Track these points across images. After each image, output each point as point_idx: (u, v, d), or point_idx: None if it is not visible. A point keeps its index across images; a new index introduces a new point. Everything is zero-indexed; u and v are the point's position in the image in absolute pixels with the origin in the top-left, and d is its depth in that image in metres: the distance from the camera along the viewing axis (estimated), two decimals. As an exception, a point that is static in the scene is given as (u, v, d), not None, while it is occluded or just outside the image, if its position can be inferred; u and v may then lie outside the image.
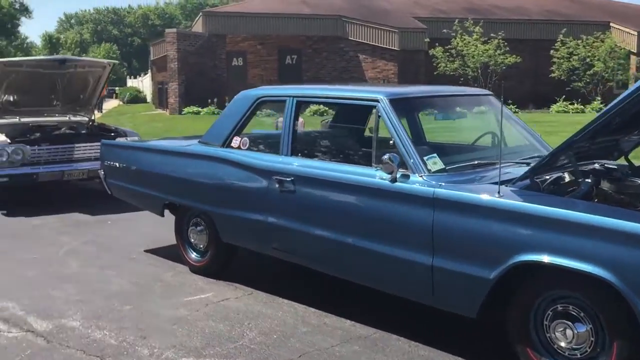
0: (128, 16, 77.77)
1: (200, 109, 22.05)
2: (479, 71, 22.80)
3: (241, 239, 4.56)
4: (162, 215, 5.31)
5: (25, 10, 62.65)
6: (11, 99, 8.29)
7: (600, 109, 21.96)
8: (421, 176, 3.47)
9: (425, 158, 3.55)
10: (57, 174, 7.74)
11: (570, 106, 21.79)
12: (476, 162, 3.72)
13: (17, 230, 6.63)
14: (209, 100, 22.28)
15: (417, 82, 24.22)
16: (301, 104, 4.38)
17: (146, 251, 5.73)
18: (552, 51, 24.48)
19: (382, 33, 24.15)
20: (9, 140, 7.44)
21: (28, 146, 7.51)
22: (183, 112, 22.42)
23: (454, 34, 23.09)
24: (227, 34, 24.95)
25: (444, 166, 3.56)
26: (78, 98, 8.84)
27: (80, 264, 5.36)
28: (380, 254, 3.53)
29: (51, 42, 74.87)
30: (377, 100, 3.85)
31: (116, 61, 8.48)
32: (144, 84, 42.46)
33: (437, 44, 22.91)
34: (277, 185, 4.13)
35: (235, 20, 24.74)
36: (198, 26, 25.37)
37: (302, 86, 5.24)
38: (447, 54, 23.13)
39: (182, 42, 22.69)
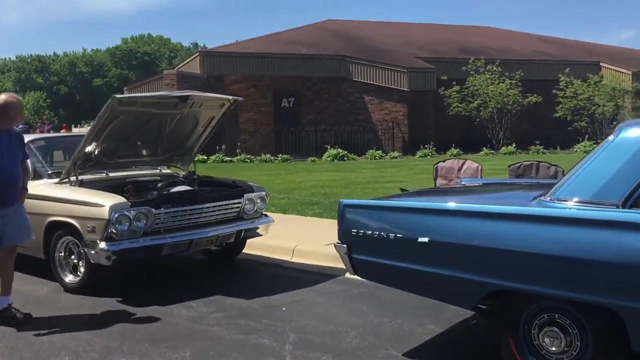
0: (54, 64, 74.59)
1: (206, 157, 20.17)
2: (494, 111, 22.03)
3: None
4: (473, 310, 3.66)
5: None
6: (106, 148, 6.41)
7: None
8: None
9: None
10: (184, 245, 5.91)
11: (595, 145, 21.16)
12: None
13: (172, 328, 4.76)
14: (217, 147, 20.42)
15: (429, 123, 23.24)
16: None
17: (407, 355, 4.03)
18: (555, 91, 24.03)
19: (389, 73, 23.13)
20: (129, 202, 5.58)
21: (153, 209, 5.67)
22: (185, 160, 20.41)
23: (472, 72, 22.28)
24: (224, 74, 23.33)
25: None
26: (180, 145, 7.05)
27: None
28: None
29: (-29, 90, 70.52)
30: None
31: (240, 97, 6.78)
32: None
33: (454, 83, 21.99)
34: None
35: (232, 61, 23.20)
36: (192, 66, 23.61)
37: None
38: (464, 93, 22.25)
39: (182, 84, 20.89)
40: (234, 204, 6.37)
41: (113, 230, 5.44)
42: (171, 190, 6.23)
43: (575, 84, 23.62)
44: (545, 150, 20.69)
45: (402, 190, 6.89)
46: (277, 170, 16.36)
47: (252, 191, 6.57)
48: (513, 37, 32.97)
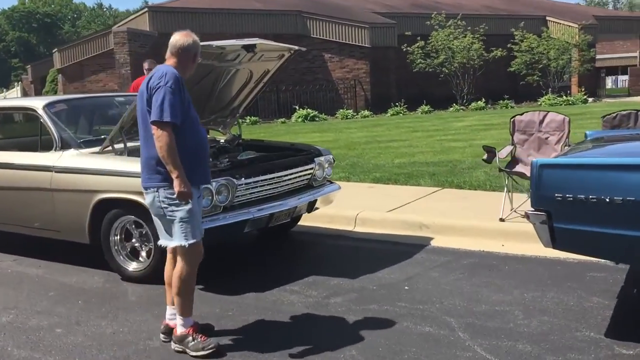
0: (-58, 26, 68.39)
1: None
2: (459, 67, 21.76)
3: None
4: None
5: None
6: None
7: (586, 100, 21.90)
8: None
9: None
10: (264, 220, 5.08)
11: (559, 98, 21.38)
12: None
13: (301, 320, 4.00)
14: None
15: (391, 80, 22.71)
16: None
17: (610, 336, 3.49)
18: (509, 45, 23.99)
19: (350, 29, 22.32)
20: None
21: (235, 179, 4.80)
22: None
23: (436, 27, 21.81)
24: (175, 32, 21.70)
25: None
26: (227, 105, 6.11)
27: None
28: None
29: None
30: None
31: (303, 48, 5.89)
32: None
33: (418, 38, 21.46)
34: None
35: (183, 17, 21.62)
36: (137, 24, 21.80)
37: None
38: (427, 49, 21.79)
39: (133, 43, 19.24)
40: (307, 170, 5.57)
41: (195, 206, 4.55)
42: (240, 158, 5.35)
43: (530, 38, 23.69)
44: (514, 105, 20.71)
45: (485, 147, 6.32)
46: (257, 132, 15.40)
47: (321, 155, 5.77)
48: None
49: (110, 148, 5.21)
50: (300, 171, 5.48)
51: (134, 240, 4.94)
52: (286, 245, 6.02)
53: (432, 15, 21.99)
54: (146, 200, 3.60)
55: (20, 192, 5.53)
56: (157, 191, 3.48)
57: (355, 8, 24.78)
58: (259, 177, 5.03)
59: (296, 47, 5.81)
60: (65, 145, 5.36)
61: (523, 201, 5.95)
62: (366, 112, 19.77)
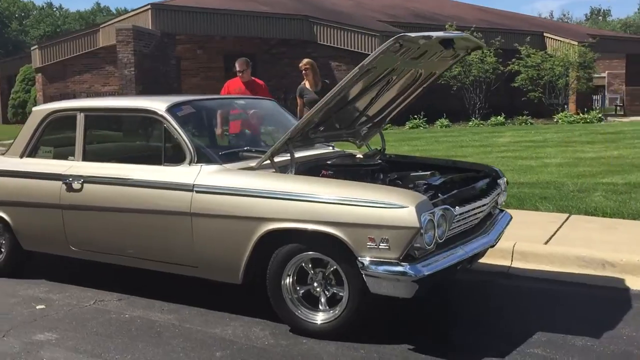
0: None
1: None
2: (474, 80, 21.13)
3: None
4: None
5: None
6: (322, 118, 4.34)
7: (601, 118, 21.51)
8: None
9: None
10: (468, 260, 4.06)
11: (576, 115, 20.92)
12: None
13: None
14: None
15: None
16: None
17: None
18: (515, 60, 23.49)
19: (359, 37, 21.41)
20: (427, 197, 3.64)
21: (452, 208, 3.77)
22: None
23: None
24: (179, 32, 20.44)
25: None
26: (379, 112, 5.06)
27: None
28: None
29: None
30: None
31: (484, 45, 4.92)
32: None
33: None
34: None
35: (187, 16, 20.32)
36: (139, 21, 20.31)
37: None
38: (442, 60, 21.03)
39: (138, 42, 17.82)
40: (496, 195, 4.59)
41: (417, 244, 3.51)
42: (434, 180, 4.29)
43: (537, 54, 23.25)
44: (532, 121, 20.15)
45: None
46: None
47: (499, 176, 4.80)
48: (450, 5, 32.40)
49: (268, 162, 4.14)
50: (494, 197, 4.50)
51: (315, 284, 3.85)
52: (453, 287, 4.98)
53: (446, 26, 21.27)
54: None
55: (140, 215, 4.36)
56: None
57: (360, 16, 23.95)
58: (470, 206, 4.03)
59: (482, 44, 4.81)
60: (202, 159, 4.25)
61: None
62: (384, 124, 18.83)
